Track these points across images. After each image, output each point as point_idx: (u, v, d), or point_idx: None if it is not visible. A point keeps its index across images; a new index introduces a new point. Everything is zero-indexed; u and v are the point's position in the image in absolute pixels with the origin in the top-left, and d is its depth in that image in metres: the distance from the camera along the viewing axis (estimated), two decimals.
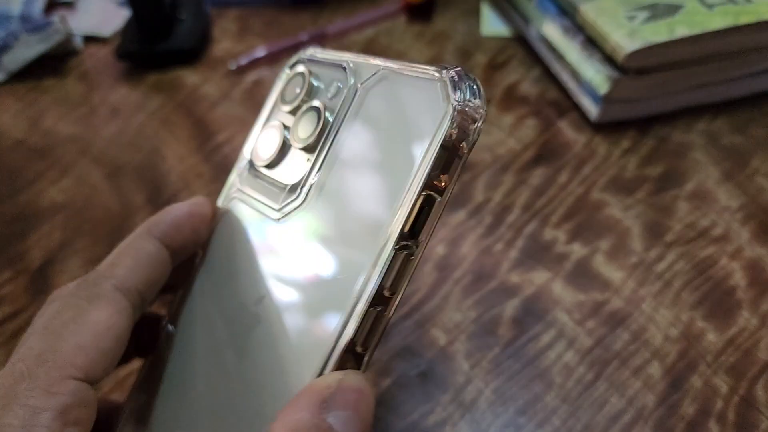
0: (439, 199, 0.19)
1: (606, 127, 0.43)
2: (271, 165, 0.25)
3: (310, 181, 0.22)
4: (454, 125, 0.18)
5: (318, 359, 0.18)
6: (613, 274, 0.35)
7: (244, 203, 0.25)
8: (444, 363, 0.32)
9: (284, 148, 0.24)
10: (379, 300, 0.18)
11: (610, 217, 0.38)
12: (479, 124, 0.19)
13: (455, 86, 0.19)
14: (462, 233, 0.38)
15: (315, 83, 0.25)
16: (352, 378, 0.18)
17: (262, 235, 0.24)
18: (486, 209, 0.39)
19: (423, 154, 0.18)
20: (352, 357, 0.18)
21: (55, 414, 0.18)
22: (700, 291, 0.34)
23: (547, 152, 0.42)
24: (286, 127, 0.25)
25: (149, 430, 0.24)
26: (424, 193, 0.18)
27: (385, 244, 0.18)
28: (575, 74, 0.44)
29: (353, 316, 0.18)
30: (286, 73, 0.26)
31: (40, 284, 0.37)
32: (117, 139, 0.46)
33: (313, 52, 0.26)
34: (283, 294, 0.21)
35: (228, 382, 0.21)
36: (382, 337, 0.19)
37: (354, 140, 0.22)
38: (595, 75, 0.42)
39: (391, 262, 0.18)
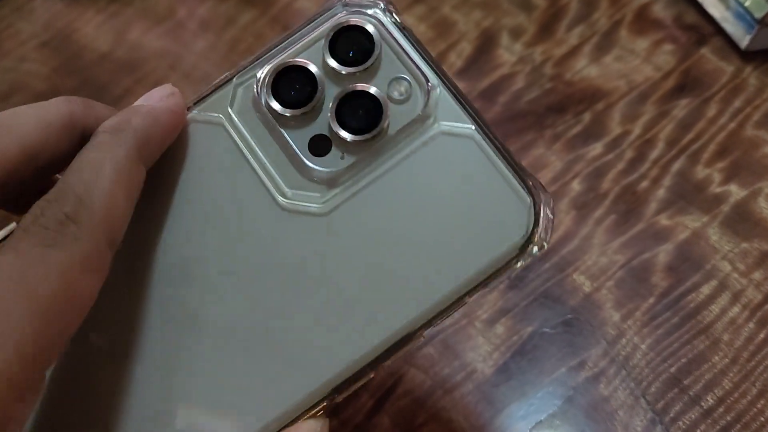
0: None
1: (758, 56, 0.38)
2: (291, 122, 0.20)
3: (343, 186, 0.19)
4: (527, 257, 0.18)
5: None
6: None
7: (232, 139, 0.20)
8: (591, 312, 0.28)
9: (318, 106, 0.19)
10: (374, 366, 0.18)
11: None
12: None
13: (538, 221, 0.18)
14: (599, 168, 0.33)
15: (383, 54, 0.19)
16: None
17: (255, 203, 0.19)
18: (625, 142, 0.34)
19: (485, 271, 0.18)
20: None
21: None
22: None
23: (690, 81, 0.37)
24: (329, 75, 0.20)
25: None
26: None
27: (409, 329, 0.18)
28: None
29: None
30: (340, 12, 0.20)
31: None
32: (209, 54, 0.43)
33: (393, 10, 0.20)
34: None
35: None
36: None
37: (403, 182, 0.19)
38: None
39: (403, 344, 0.18)
